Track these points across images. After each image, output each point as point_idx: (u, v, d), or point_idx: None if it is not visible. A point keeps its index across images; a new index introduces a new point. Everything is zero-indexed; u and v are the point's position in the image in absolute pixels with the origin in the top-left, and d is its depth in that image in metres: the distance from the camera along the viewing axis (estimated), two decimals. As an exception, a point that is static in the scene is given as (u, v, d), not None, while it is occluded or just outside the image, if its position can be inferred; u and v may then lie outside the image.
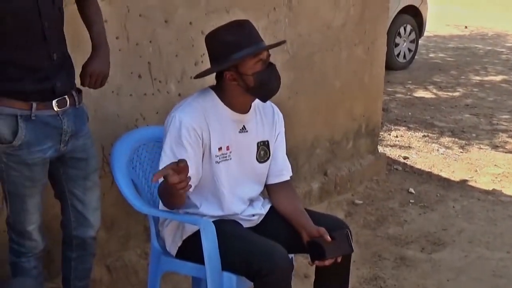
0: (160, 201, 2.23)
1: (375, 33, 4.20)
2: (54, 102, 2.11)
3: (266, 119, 2.40)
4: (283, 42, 2.44)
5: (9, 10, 1.96)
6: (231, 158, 2.28)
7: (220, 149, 2.25)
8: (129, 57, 2.73)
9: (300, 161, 3.79)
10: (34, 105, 2.06)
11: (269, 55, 2.23)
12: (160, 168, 2.15)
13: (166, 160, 2.16)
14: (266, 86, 2.22)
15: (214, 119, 2.24)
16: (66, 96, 2.14)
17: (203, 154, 2.23)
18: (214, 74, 2.29)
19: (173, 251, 2.34)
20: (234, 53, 2.16)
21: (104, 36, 2.31)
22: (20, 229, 2.19)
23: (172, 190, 1.96)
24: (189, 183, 1.94)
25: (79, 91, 2.24)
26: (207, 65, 2.48)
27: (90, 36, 2.28)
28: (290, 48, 3.52)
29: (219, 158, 2.26)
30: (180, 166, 1.88)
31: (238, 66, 2.18)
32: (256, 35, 2.23)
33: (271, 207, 2.43)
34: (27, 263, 2.24)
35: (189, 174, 1.93)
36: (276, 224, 2.37)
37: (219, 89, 2.28)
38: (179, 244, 2.31)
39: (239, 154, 2.30)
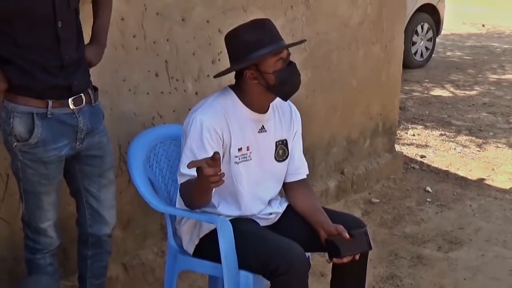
0: (178, 199, 2.23)
1: (392, 32, 4.17)
2: (70, 100, 2.11)
3: (284, 118, 2.39)
4: (304, 40, 2.43)
5: (25, 9, 1.97)
6: (251, 159, 2.28)
7: (240, 149, 2.25)
8: (146, 56, 2.73)
9: (316, 160, 3.78)
10: (50, 103, 2.07)
11: (289, 54, 2.23)
12: (181, 170, 2.15)
13: (187, 162, 2.14)
14: (287, 84, 2.22)
15: (234, 119, 2.23)
16: (82, 94, 2.15)
17: (223, 155, 2.22)
18: (233, 73, 2.29)
19: (190, 250, 2.33)
20: (254, 52, 2.16)
21: (104, 31, 2.31)
22: (36, 226, 2.20)
23: (205, 184, 1.95)
24: (223, 178, 1.94)
25: (95, 89, 2.24)
26: (224, 63, 2.49)
27: (92, 28, 2.29)
28: (307, 47, 3.50)
29: (239, 159, 2.25)
30: (215, 158, 1.88)
31: (258, 64, 2.18)
32: (276, 33, 2.22)
33: (288, 206, 2.42)
34: (42, 260, 2.25)
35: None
36: (293, 222, 2.36)
37: (238, 88, 2.27)
38: (196, 242, 2.30)
39: (258, 154, 2.29)
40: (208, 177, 1.90)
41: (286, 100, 2.32)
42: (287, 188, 2.45)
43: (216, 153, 1.89)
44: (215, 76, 2.37)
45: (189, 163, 1.94)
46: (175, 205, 2.35)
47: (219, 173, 1.91)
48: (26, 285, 1.97)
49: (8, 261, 2.44)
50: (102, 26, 2.31)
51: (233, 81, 2.32)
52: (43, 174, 2.12)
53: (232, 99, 2.26)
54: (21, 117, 2.06)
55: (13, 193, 2.34)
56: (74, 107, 2.12)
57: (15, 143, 2.08)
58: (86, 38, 2.24)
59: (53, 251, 2.26)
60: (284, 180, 2.43)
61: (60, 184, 2.22)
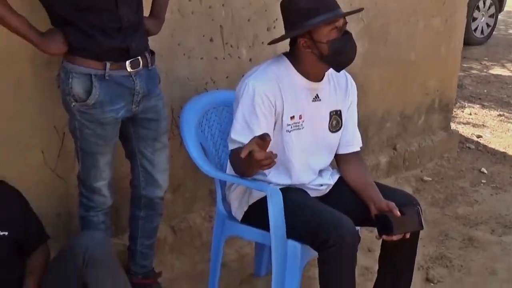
0: (228, 165, 2.23)
1: (454, 5, 4.03)
2: (127, 62, 2.12)
3: (339, 88, 2.34)
4: (361, 9, 2.35)
5: None
6: (303, 127, 2.24)
7: (292, 117, 2.21)
8: (201, 20, 2.71)
9: (369, 133, 3.72)
10: (108, 65, 2.08)
11: (345, 23, 2.16)
12: (232, 136, 2.14)
13: (238, 127, 2.14)
14: (340, 55, 2.16)
15: (288, 87, 2.19)
16: (139, 57, 2.15)
17: (275, 123, 2.19)
18: (288, 40, 2.24)
19: (239, 216, 2.34)
20: (309, 20, 2.11)
21: (164, 7, 2.32)
22: (90, 185, 2.24)
23: (256, 166, 1.93)
24: (274, 159, 1.89)
25: (152, 53, 2.25)
26: (279, 31, 2.45)
27: (152, 2, 2.30)
28: (365, 17, 3.42)
29: (291, 127, 2.22)
30: (266, 141, 1.85)
31: (312, 33, 2.13)
32: (333, 1, 2.16)
33: (339, 178, 2.39)
34: (95, 217, 2.29)
35: None
36: (344, 195, 2.33)
37: (292, 56, 2.23)
38: (245, 209, 2.30)
39: (311, 123, 2.26)
40: (259, 161, 1.88)
41: (339, 71, 2.27)
42: (339, 160, 2.41)
43: (266, 134, 1.86)
44: (269, 43, 2.33)
45: (242, 151, 1.89)
46: (225, 171, 2.34)
47: (270, 157, 1.87)
48: (79, 239, 2.02)
49: (63, 216, 2.50)
50: (162, 2, 2.32)
51: (287, 49, 2.27)
52: (100, 134, 2.15)
53: (286, 66, 2.23)
54: (79, 78, 2.08)
55: (68, 150, 2.39)
56: (131, 70, 2.13)
57: (73, 103, 2.11)
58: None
59: (106, 210, 2.30)
60: (336, 152, 2.39)
61: (116, 145, 2.25)
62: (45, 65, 2.26)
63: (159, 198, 2.41)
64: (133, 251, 2.49)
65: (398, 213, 2.13)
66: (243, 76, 2.32)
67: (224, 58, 2.83)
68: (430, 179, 3.99)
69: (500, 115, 5.36)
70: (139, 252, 2.48)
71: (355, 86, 2.41)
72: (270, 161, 1.88)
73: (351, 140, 2.39)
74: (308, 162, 2.30)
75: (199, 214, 2.97)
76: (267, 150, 1.88)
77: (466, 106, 5.53)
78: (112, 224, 2.48)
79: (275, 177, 2.26)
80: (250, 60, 2.90)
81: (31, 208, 2.14)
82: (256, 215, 2.25)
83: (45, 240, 2.18)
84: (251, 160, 1.88)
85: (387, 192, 2.28)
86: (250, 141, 1.89)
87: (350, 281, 2.12)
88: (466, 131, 4.91)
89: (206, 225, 2.94)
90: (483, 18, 7.86)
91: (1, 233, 2.00)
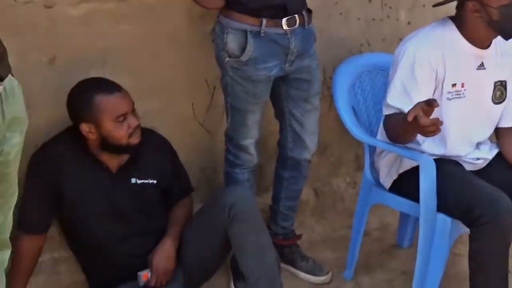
0: (380, 131, 2.18)
1: None
2: (284, 20, 2.10)
3: (506, 57, 2.19)
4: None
5: None
6: (465, 96, 2.13)
7: (454, 85, 2.11)
8: (361, -21, 2.63)
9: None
10: (264, 21, 2.07)
11: None
12: (388, 101, 2.08)
13: (395, 93, 2.07)
14: (511, 23, 2.02)
15: (451, 52, 2.09)
16: (296, 16, 2.13)
17: (434, 89, 2.09)
18: (453, 4, 2.13)
19: (387, 184, 2.27)
20: None
21: None
22: (238, 142, 2.27)
23: (419, 132, 1.88)
24: (439, 126, 1.83)
25: (309, 11, 2.20)
26: (443, -7, 2.31)
27: None
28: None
29: (452, 95, 2.11)
30: (432, 107, 1.79)
31: None
32: None
33: (498, 153, 2.25)
34: (241, 174, 2.32)
35: None
36: (502, 171, 2.20)
37: (458, 20, 2.12)
38: (394, 177, 2.23)
39: (474, 92, 2.14)
40: (424, 128, 1.81)
41: (507, 40, 2.12)
42: (499, 134, 2.28)
43: (433, 100, 1.79)
44: (434, 5, 2.22)
45: (408, 115, 1.82)
46: (375, 137, 2.28)
47: (436, 123, 1.80)
48: (226, 194, 2.07)
49: (207, 170, 2.56)
50: None
51: (449, 13, 2.16)
52: (251, 92, 2.16)
53: (451, 31, 2.12)
54: (234, 33, 2.09)
55: (217, 105, 2.43)
56: (287, 28, 2.11)
57: (227, 59, 2.13)
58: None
59: (252, 168, 2.33)
60: (497, 125, 2.26)
61: (266, 104, 2.25)
62: (200, 18, 2.30)
63: (306, 161, 2.39)
64: (275, 211, 2.50)
65: (561, 196, 1.98)
66: (400, 39, 2.25)
67: (381, 20, 2.74)
68: None
69: None
70: (281, 213, 2.48)
71: (525, 56, 2.24)
72: (436, 128, 1.81)
73: (515, 113, 2.24)
74: (466, 134, 2.18)
75: (343, 179, 2.92)
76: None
77: None
78: (256, 182, 2.51)
79: (430, 146, 2.16)
80: (409, 23, 2.78)
81: (178, 159, 2.21)
82: (406, 184, 2.18)
83: (190, 192, 2.26)
84: (416, 125, 1.81)
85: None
86: (416, 105, 1.83)
87: (502, 262, 2.02)
88: None
89: (350, 191, 2.89)
90: None
91: (150, 181, 2.09)
